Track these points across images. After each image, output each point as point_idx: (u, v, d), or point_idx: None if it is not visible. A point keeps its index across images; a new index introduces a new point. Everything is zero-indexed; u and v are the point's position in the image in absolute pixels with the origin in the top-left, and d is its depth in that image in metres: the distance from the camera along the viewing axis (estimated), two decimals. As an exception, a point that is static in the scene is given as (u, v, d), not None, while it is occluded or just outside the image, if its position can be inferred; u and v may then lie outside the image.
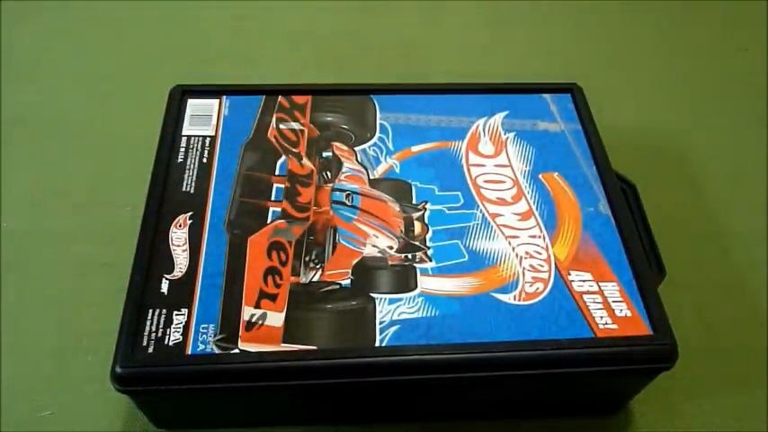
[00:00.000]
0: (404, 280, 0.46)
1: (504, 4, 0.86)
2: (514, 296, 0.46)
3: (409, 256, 0.48)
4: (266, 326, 0.44)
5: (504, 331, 0.44)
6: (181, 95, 0.57)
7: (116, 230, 0.58)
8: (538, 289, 0.46)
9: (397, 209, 0.51)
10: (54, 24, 0.79)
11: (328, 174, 0.53)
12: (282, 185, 0.52)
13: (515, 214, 0.51)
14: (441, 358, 0.42)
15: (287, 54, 0.77)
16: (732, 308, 0.57)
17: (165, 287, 0.45)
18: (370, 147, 0.55)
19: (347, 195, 0.51)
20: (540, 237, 0.49)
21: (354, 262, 0.47)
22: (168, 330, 0.43)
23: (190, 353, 0.42)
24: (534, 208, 0.51)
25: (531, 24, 0.84)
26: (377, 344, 0.43)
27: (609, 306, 0.46)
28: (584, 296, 0.46)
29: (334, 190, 0.52)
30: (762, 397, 0.52)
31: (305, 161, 0.53)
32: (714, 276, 0.59)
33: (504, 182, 0.53)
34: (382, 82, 0.60)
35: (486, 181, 0.53)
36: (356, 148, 0.54)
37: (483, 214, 0.50)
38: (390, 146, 0.55)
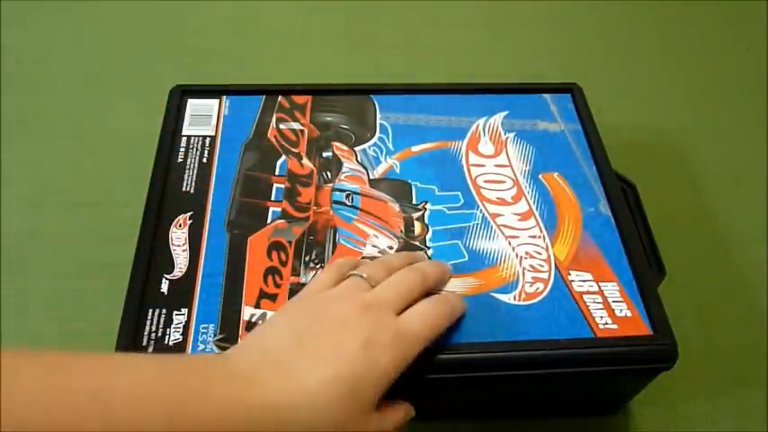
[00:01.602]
0: (404, 280, 0.46)
1: (504, 3, 0.86)
2: (514, 296, 0.46)
3: (409, 256, 0.48)
4: (266, 326, 0.44)
5: (504, 331, 0.44)
6: (181, 95, 0.57)
7: (116, 230, 0.58)
8: (538, 289, 0.46)
9: (397, 209, 0.51)
10: (54, 24, 0.79)
11: (328, 174, 0.53)
12: (282, 185, 0.52)
13: (515, 214, 0.51)
14: (441, 358, 0.42)
15: (287, 54, 0.77)
16: (732, 308, 0.57)
17: (164, 287, 0.45)
18: (370, 147, 0.55)
19: (347, 195, 0.51)
20: (540, 237, 0.49)
21: (354, 262, 0.47)
22: (168, 330, 0.43)
23: (190, 353, 0.42)
24: (534, 208, 0.51)
25: (531, 24, 0.84)
26: (377, 344, 0.43)
27: (609, 306, 0.45)
28: (585, 296, 0.46)
29: (334, 190, 0.51)
30: (762, 397, 0.52)
31: (305, 161, 0.53)
32: (714, 276, 0.59)
33: (504, 182, 0.53)
34: (382, 82, 0.60)
35: (486, 181, 0.53)
36: (356, 148, 0.54)
37: (483, 214, 0.50)
38: (390, 146, 0.55)
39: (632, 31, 0.83)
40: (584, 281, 0.47)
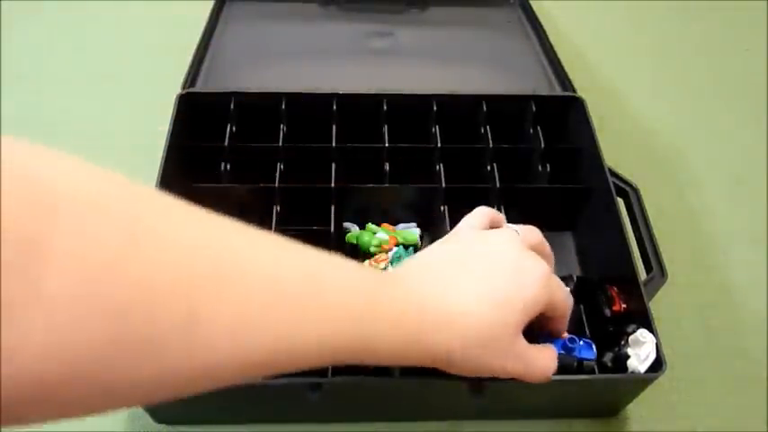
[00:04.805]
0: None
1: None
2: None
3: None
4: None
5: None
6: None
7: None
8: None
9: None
10: (54, 24, 0.78)
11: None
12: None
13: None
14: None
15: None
16: (732, 309, 0.57)
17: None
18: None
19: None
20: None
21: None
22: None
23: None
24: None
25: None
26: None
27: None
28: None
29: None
30: (762, 397, 0.52)
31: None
32: (715, 277, 0.59)
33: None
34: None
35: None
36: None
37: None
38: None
39: (632, 31, 0.83)
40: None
